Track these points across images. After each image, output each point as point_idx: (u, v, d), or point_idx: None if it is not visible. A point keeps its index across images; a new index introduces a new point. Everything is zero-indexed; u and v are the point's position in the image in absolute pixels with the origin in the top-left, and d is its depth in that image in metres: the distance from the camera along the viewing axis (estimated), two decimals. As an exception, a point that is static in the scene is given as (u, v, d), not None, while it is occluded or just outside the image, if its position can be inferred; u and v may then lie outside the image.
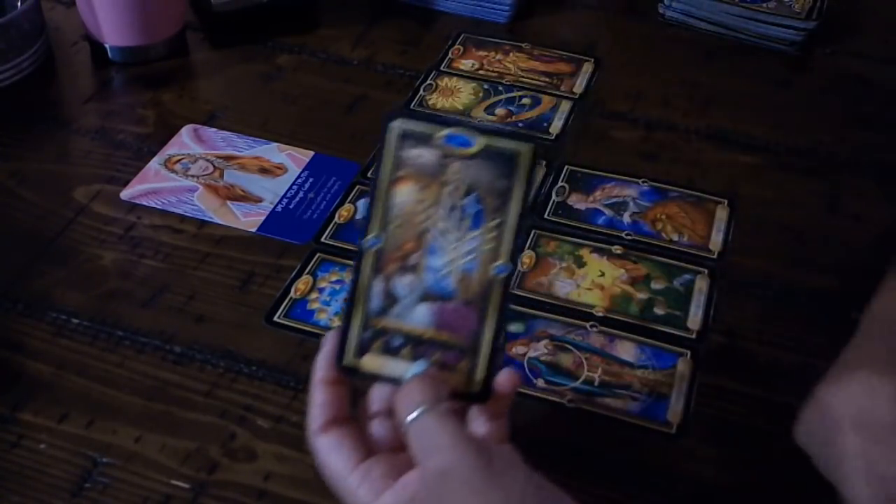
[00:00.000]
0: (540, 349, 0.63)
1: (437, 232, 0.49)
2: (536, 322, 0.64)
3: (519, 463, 0.44)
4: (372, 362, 0.49)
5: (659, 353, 0.62)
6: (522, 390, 0.60)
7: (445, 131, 0.49)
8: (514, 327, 0.64)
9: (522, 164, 0.49)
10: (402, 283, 0.49)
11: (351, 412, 0.49)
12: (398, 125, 0.49)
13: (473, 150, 0.49)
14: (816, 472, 0.57)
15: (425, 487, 0.44)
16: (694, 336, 0.63)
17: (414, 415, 0.45)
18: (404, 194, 0.49)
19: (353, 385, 0.50)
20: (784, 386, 0.61)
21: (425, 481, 0.44)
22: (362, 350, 0.49)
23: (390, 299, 0.49)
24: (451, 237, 0.49)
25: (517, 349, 0.62)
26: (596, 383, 0.61)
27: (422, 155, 0.49)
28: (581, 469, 0.56)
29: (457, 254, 0.49)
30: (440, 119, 0.50)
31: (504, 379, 0.48)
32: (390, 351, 0.49)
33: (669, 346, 0.63)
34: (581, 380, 0.61)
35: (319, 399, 0.48)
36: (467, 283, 0.49)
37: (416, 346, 0.48)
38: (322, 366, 0.49)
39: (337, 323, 0.61)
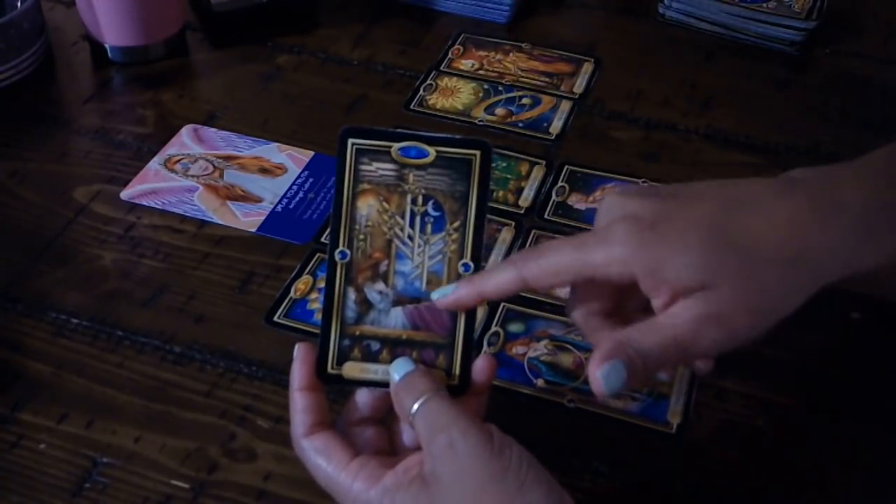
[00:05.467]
0: (540, 349, 0.63)
1: (403, 239, 0.52)
2: (536, 322, 0.64)
3: (513, 441, 0.46)
4: (353, 369, 0.51)
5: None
6: (522, 390, 0.60)
7: (400, 144, 0.52)
8: (514, 327, 0.64)
9: (476, 168, 0.52)
10: (375, 291, 0.52)
11: (332, 418, 0.51)
12: (354, 142, 0.52)
13: (428, 159, 0.52)
14: (816, 473, 0.57)
15: (432, 461, 0.46)
16: (694, 336, 0.63)
17: (419, 402, 0.47)
18: (367, 207, 0.52)
19: (328, 394, 0.51)
20: (784, 386, 0.61)
21: (433, 456, 0.46)
22: (342, 358, 0.51)
23: (365, 306, 0.51)
24: (417, 242, 0.52)
25: (517, 349, 0.63)
26: (596, 383, 0.61)
27: (380, 168, 0.52)
28: (581, 469, 0.56)
29: (424, 257, 0.52)
30: (393, 133, 0.53)
31: (481, 367, 0.50)
32: (370, 356, 0.51)
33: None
34: (581, 380, 0.61)
35: (301, 405, 0.50)
36: (437, 284, 0.52)
37: (393, 348, 0.51)
38: (298, 375, 0.50)
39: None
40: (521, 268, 0.50)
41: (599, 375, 0.48)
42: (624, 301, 0.52)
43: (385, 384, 0.50)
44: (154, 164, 0.77)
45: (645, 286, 0.49)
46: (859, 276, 0.51)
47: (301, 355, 0.51)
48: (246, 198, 0.74)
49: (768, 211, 0.50)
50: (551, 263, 0.50)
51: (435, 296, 0.51)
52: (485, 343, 0.63)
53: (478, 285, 0.51)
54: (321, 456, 0.49)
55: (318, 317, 0.63)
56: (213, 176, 0.75)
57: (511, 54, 0.89)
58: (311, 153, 0.78)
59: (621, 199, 0.51)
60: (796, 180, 0.52)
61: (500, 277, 0.50)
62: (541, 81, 0.86)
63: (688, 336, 0.48)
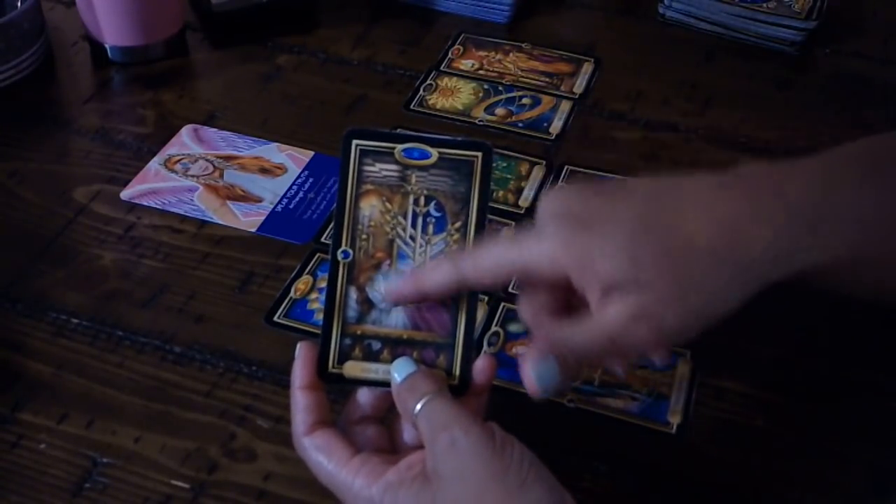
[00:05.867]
0: (540, 349, 0.62)
1: (405, 239, 0.52)
2: (536, 322, 0.64)
3: (515, 440, 0.46)
4: (354, 368, 0.51)
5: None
6: (522, 390, 0.60)
7: (403, 146, 0.53)
8: (515, 327, 0.64)
9: (477, 169, 0.53)
10: (377, 290, 0.52)
11: (333, 417, 0.51)
12: (358, 143, 0.53)
13: (431, 161, 0.53)
14: (816, 473, 0.57)
15: (434, 459, 0.46)
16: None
17: (422, 402, 0.48)
18: (370, 207, 0.52)
19: (329, 393, 0.51)
20: (784, 386, 0.61)
21: (435, 455, 0.46)
22: (343, 357, 0.51)
23: (366, 306, 0.52)
24: (419, 242, 0.52)
25: (517, 349, 0.62)
26: (596, 383, 0.61)
27: (383, 169, 0.53)
28: (581, 469, 0.56)
29: (425, 257, 0.52)
30: (396, 135, 0.54)
31: (481, 368, 0.51)
32: (371, 356, 0.51)
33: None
34: (581, 380, 0.61)
35: (302, 404, 0.50)
36: None
37: (394, 347, 0.51)
38: (300, 374, 0.50)
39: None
40: (458, 264, 0.50)
41: (532, 373, 0.49)
42: (571, 299, 0.52)
43: (386, 384, 0.50)
44: (154, 164, 0.77)
45: (576, 282, 0.48)
46: (809, 273, 0.50)
47: (302, 354, 0.51)
48: (246, 198, 0.74)
49: (704, 205, 0.49)
50: (486, 260, 0.50)
51: (383, 287, 0.51)
52: (485, 343, 0.63)
53: (418, 281, 0.51)
54: (322, 453, 0.49)
55: (318, 317, 0.63)
56: (213, 176, 0.75)
57: (511, 54, 0.89)
58: (311, 153, 0.78)
59: (558, 196, 0.51)
60: (740, 174, 0.51)
61: (437, 274, 0.51)
62: (541, 81, 0.86)
63: (619, 333, 0.48)
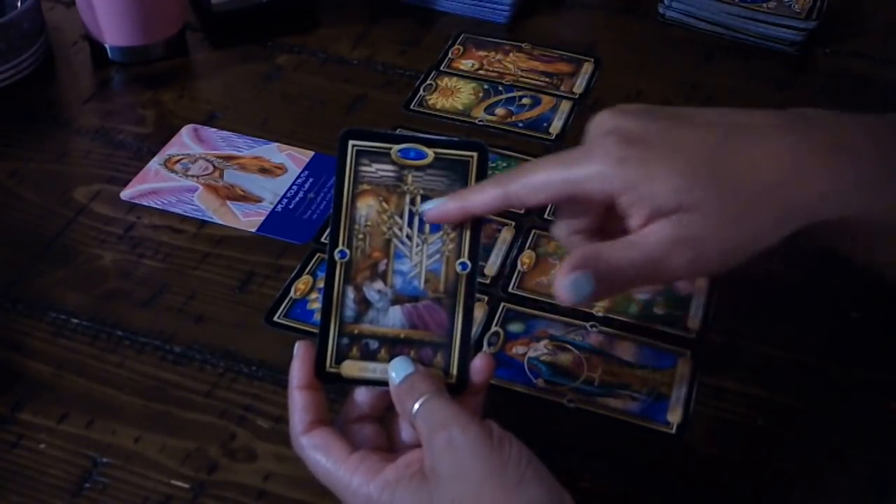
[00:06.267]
0: (540, 349, 0.63)
1: (401, 238, 0.52)
2: (536, 322, 0.64)
3: (513, 437, 0.46)
4: (352, 368, 0.51)
5: (659, 354, 0.62)
6: (522, 390, 0.60)
7: (399, 146, 0.53)
8: (514, 327, 0.64)
9: (473, 169, 0.53)
10: (374, 289, 0.52)
11: (331, 417, 0.51)
12: (354, 144, 0.53)
13: (427, 161, 0.53)
14: (816, 473, 0.57)
15: (432, 457, 0.46)
16: (694, 336, 0.63)
17: (420, 401, 0.48)
18: (366, 207, 0.53)
19: (328, 393, 0.51)
20: (784, 386, 0.61)
21: (433, 453, 0.46)
22: (341, 357, 0.51)
23: (364, 305, 0.52)
24: (415, 242, 0.52)
25: (517, 349, 0.63)
26: (596, 383, 0.61)
27: (379, 169, 0.53)
28: (581, 469, 0.56)
29: (422, 256, 0.52)
30: (392, 135, 0.54)
31: (479, 367, 0.51)
32: (368, 355, 0.51)
33: (669, 346, 0.63)
34: (581, 380, 0.61)
35: (300, 403, 0.50)
36: (435, 283, 0.52)
37: (391, 347, 0.51)
38: (298, 373, 0.50)
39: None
40: (504, 184, 0.50)
41: (567, 282, 0.48)
42: (609, 222, 0.52)
43: (383, 383, 0.50)
44: (154, 164, 0.77)
45: (622, 203, 0.49)
46: (840, 223, 0.50)
47: (301, 353, 0.51)
48: (246, 198, 0.74)
49: (765, 141, 0.49)
50: (534, 180, 0.50)
51: (425, 209, 0.52)
52: (485, 343, 0.63)
53: (464, 200, 0.51)
54: (320, 452, 0.49)
55: (317, 317, 0.63)
56: (213, 176, 0.75)
57: (511, 54, 0.89)
58: (311, 153, 0.78)
59: (612, 115, 0.51)
60: (807, 117, 0.51)
61: (484, 193, 0.51)
62: (541, 81, 0.86)
63: (658, 257, 0.48)
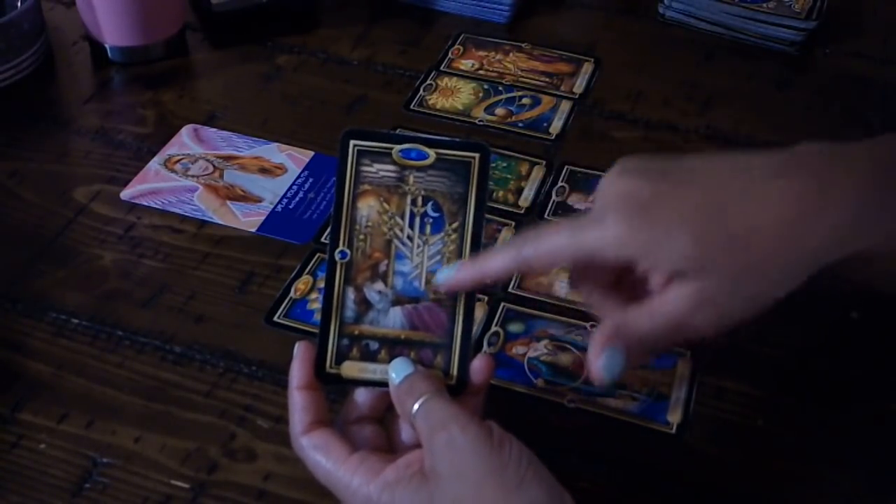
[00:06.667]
0: (540, 349, 0.63)
1: (402, 239, 0.52)
2: (536, 322, 0.64)
3: (513, 438, 0.46)
4: (351, 368, 0.51)
5: (659, 354, 0.62)
6: (522, 390, 0.60)
7: (401, 146, 0.53)
8: (514, 327, 0.64)
9: (474, 170, 0.53)
10: (374, 290, 0.52)
11: (331, 417, 0.51)
12: (356, 144, 0.53)
13: (428, 161, 0.53)
14: (816, 473, 0.57)
15: (432, 458, 0.46)
16: (694, 336, 0.63)
17: (420, 402, 0.48)
18: (367, 207, 0.53)
19: (328, 394, 0.51)
20: (784, 386, 0.61)
21: (433, 453, 0.46)
22: (341, 357, 0.51)
23: (364, 306, 0.52)
24: (416, 243, 0.52)
25: (517, 349, 0.63)
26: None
27: (380, 170, 0.53)
28: (581, 469, 0.56)
29: (423, 257, 0.52)
30: (394, 136, 0.54)
31: (478, 367, 0.51)
32: (368, 356, 0.51)
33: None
34: (581, 380, 0.61)
35: (300, 404, 0.50)
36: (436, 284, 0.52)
37: (392, 347, 0.51)
38: (298, 374, 0.51)
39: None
40: (520, 249, 0.51)
41: (599, 363, 0.50)
42: (625, 274, 0.53)
43: (383, 384, 0.50)
44: (154, 164, 0.77)
45: (640, 267, 0.49)
46: (853, 257, 0.50)
47: (301, 353, 0.51)
48: (246, 198, 0.74)
49: (767, 190, 0.49)
50: (549, 246, 0.51)
51: (439, 278, 0.52)
52: (485, 343, 0.63)
53: (479, 267, 0.51)
54: (320, 452, 0.49)
55: (317, 317, 0.63)
56: (213, 176, 0.75)
57: (511, 54, 0.89)
58: (311, 153, 0.78)
59: (618, 179, 0.51)
60: (800, 155, 0.51)
61: (500, 259, 0.51)
62: (541, 81, 0.86)
63: (683, 319, 0.49)
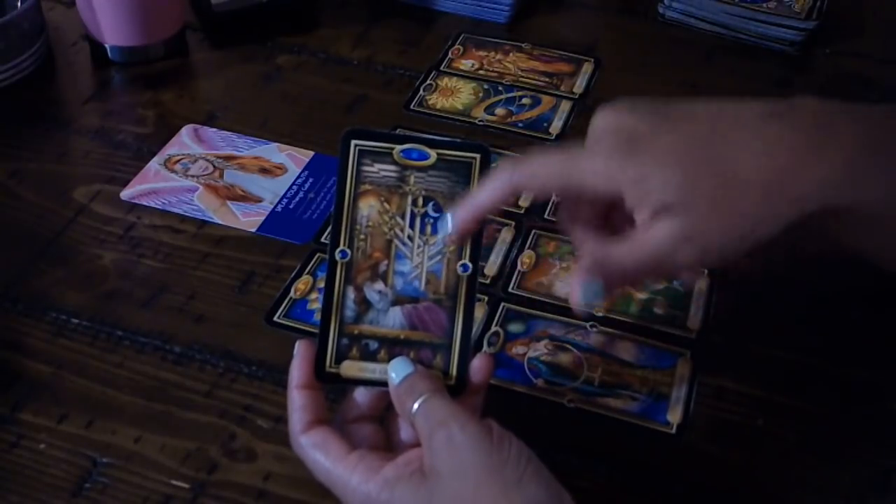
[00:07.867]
0: (540, 349, 0.63)
1: (402, 239, 0.52)
2: (536, 322, 0.64)
3: (513, 436, 0.46)
4: (351, 368, 0.51)
5: (659, 354, 0.62)
6: (522, 390, 0.60)
7: (402, 146, 0.53)
8: (514, 327, 0.64)
9: (475, 170, 0.53)
10: (374, 290, 0.52)
11: (330, 416, 0.51)
12: (357, 144, 0.53)
13: (429, 162, 0.53)
14: (816, 473, 0.57)
15: (431, 456, 0.46)
16: (694, 336, 0.63)
17: (419, 402, 0.48)
18: (368, 207, 0.53)
19: (328, 394, 0.51)
20: (784, 386, 0.61)
21: (432, 451, 0.46)
22: (340, 357, 0.51)
23: (364, 306, 0.52)
24: (417, 243, 0.52)
25: (517, 349, 0.63)
26: (596, 383, 0.61)
27: (381, 170, 0.53)
28: (581, 469, 0.56)
29: (423, 258, 0.52)
30: (395, 136, 0.54)
31: (478, 367, 0.51)
32: (368, 355, 0.51)
33: (669, 346, 0.63)
34: (581, 380, 0.61)
35: (299, 403, 0.50)
36: (436, 284, 0.52)
37: (391, 347, 0.51)
38: (297, 373, 0.51)
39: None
40: (511, 174, 0.51)
41: (578, 290, 0.52)
42: (612, 213, 0.53)
43: (383, 383, 0.50)
44: (154, 164, 0.77)
45: (627, 199, 0.50)
46: (838, 212, 0.51)
47: (301, 352, 0.51)
48: (246, 198, 0.74)
49: (757, 134, 0.50)
50: (539, 172, 0.51)
51: (442, 234, 0.52)
52: (485, 343, 0.63)
53: (473, 202, 0.52)
54: (319, 450, 0.49)
55: (317, 317, 0.63)
56: (213, 176, 0.75)
57: (511, 54, 0.89)
58: (311, 153, 0.78)
59: (614, 113, 0.52)
60: (797, 106, 0.52)
61: (491, 187, 0.52)
62: (541, 81, 0.86)
63: (664, 254, 0.50)
